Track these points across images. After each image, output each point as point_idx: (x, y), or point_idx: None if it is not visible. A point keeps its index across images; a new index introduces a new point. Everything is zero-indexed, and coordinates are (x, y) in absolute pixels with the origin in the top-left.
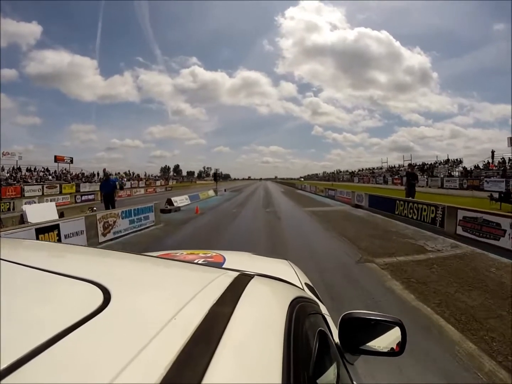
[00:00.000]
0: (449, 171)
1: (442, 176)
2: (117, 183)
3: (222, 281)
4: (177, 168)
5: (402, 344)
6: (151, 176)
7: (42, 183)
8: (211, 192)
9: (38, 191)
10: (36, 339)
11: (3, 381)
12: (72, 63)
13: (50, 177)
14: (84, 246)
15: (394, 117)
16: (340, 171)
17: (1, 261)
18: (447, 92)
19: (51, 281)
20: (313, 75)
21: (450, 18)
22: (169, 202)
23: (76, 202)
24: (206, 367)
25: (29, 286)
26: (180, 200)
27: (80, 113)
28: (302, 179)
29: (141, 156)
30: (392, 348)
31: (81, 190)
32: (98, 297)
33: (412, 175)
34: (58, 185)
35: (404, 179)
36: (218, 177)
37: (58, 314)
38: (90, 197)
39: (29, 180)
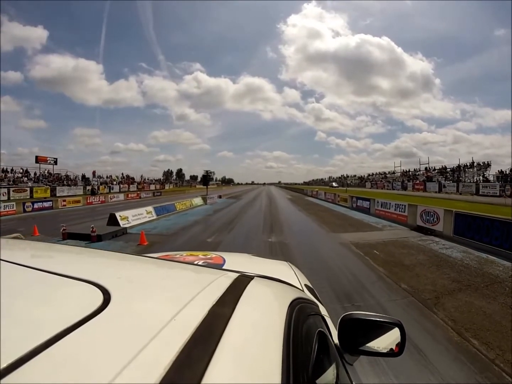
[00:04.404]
0: (483, 176)
1: (473, 181)
2: None
3: (222, 282)
4: (180, 172)
5: (401, 345)
6: (147, 179)
7: (12, 185)
8: (197, 200)
9: (4, 195)
10: (36, 339)
11: (3, 380)
12: (77, 67)
13: (26, 179)
14: (84, 247)
15: (397, 123)
16: (347, 176)
17: (2, 261)
18: (450, 98)
19: (51, 282)
20: (316, 81)
21: (451, 24)
22: (113, 219)
23: (24, 212)
24: (205, 368)
25: (29, 287)
26: (137, 216)
27: (85, 117)
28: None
29: (145, 160)
30: (391, 349)
31: (58, 195)
32: (98, 298)
33: None
34: (28, 189)
35: (428, 184)
36: (221, 181)
37: (58, 315)
38: (46, 204)
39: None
